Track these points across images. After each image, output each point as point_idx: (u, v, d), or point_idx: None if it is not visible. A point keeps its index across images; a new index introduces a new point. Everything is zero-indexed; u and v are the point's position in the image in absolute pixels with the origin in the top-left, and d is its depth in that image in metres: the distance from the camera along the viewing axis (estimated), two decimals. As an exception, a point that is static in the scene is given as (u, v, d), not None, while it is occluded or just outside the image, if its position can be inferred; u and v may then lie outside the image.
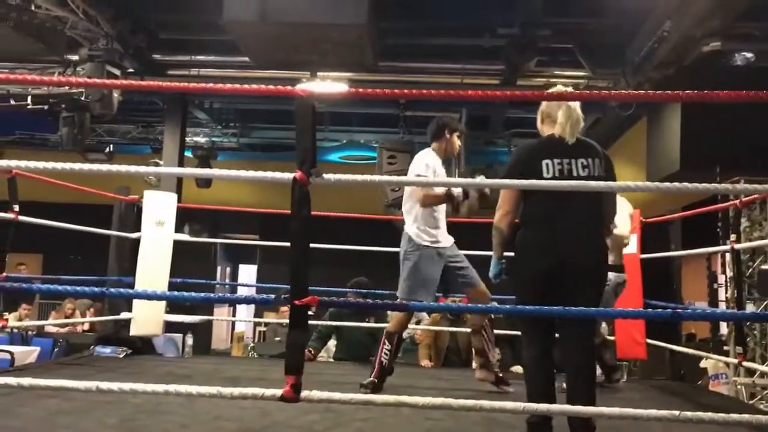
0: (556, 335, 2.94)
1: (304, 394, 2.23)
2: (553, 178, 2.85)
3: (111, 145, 10.41)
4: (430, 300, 4.09)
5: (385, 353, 4.10)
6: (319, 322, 5.88)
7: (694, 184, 2.71)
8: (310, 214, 2.34)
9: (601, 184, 2.85)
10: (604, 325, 4.53)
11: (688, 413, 2.00)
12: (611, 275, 3.99)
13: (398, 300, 4.12)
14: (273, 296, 2.49)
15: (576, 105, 2.94)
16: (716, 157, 6.56)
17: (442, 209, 4.17)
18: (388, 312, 7.93)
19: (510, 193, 2.96)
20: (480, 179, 4.01)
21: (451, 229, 4.29)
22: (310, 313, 2.44)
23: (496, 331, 6.34)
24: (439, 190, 4.06)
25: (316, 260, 2.56)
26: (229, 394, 2.22)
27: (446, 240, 4.17)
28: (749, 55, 6.40)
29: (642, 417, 2.03)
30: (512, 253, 2.98)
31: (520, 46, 7.02)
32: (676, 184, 2.65)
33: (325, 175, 2.34)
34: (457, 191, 4.05)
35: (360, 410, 3.24)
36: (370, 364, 4.04)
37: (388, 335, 4.16)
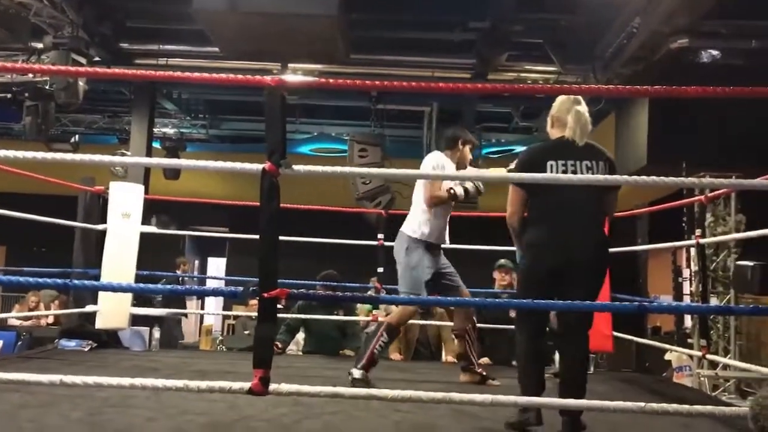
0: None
1: (273, 387, 2.22)
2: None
3: (76, 135, 10.18)
4: (425, 295, 4.15)
5: (380, 345, 4.10)
6: (288, 315, 5.85)
7: (661, 177, 2.75)
8: (279, 206, 2.32)
9: (586, 177, 2.90)
10: None
11: (654, 405, 2.03)
12: None
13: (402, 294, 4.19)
14: (241, 289, 2.45)
15: (584, 109, 3.08)
16: (683, 153, 6.67)
17: (447, 209, 4.30)
18: (359, 305, 7.96)
19: (516, 193, 3.08)
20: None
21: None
22: (279, 306, 2.42)
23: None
24: (444, 188, 4.16)
25: (285, 253, 2.54)
26: (196, 388, 2.19)
27: (444, 241, 4.32)
28: (715, 52, 6.49)
29: (608, 408, 2.05)
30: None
31: (492, 41, 7.05)
32: (645, 177, 2.71)
33: (295, 166, 2.32)
34: (460, 191, 4.16)
35: (329, 403, 3.23)
36: (340, 358, 4.04)
37: (388, 328, 4.17)
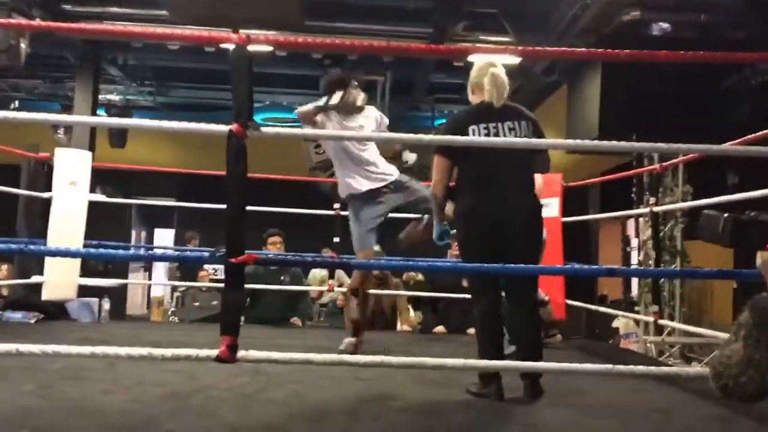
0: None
1: (241, 354, 2.17)
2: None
3: (16, 101, 9.79)
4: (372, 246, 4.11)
5: (355, 308, 4.13)
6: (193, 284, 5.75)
7: (619, 142, 2.80)
8: (246, 170, 2.25)
9: (519, 140, 2.93)
10: None
11: (621, 367, 2.06)
12: None
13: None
14: (207, 254, 2.38)
15: (501, 71, 3.04)
16: (634, 125, 6.77)
17: (343, 157, 4.11)
18: (311, 275, 7.91)
19: (441, 162, 3.04)
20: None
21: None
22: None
23: (418, 294, 6.47)
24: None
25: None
26: (160, 356, 2.12)
27: (368, 185, 4.15)
28: (666, 25, 6.60)
29: (579, 371, 2.08)
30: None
31: (447, 10, 7.00)
32: (598, 141, 2.76)
33: (263, 128, 2.24)
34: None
35: (291, 372, 3.20)
36: (289, 327, 3.98)
37: (353, 291, 4.18)
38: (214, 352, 2.13)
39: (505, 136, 2.97)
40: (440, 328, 5.69)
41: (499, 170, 2.98)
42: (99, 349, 2.15)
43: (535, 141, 3.00)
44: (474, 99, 3.16)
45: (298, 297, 6.11)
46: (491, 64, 3.08)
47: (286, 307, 5.94)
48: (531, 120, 3.09)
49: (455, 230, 3.17)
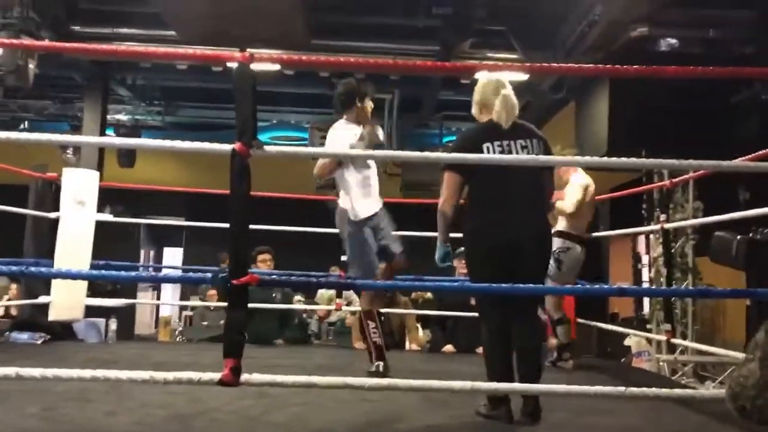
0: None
1: (244, 377, 2.12)
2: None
3: (26, 122, 9.86)
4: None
5: (373, 332, 4.02)
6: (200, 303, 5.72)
7: (629, 158, 2.76)
8: (250, 189, 2.21)
9: (540, 157, 2.91)
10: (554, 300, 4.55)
11: (634, 389, 2.01)
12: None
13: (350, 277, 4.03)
14: (210, 275, 2.35)
15: (511, 92, 3.04)
16: (642, 141, 6.72)
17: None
18: (319, 294, 7.87)
19: (453, 179, 2.99)
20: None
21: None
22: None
23: (426, 313, 6.42)
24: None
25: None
26: (162, 379, 2.08)
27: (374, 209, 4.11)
28: (673, 41, 6.58)
29: (591, 394, 2.02)
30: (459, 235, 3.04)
31: (455, 27, 7.00)
32: (607, 158, 2.73)
33: (267, 147, 2.22)
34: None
35: (295, 394, 3.16)
36: (280, 347, 3.88)
37: (367, 314, 4.06)
38: (217, 376, 2.09)
39: (518, 152, 2.96)
40: (449, 348, 5.63)
41: (512, 188, 2.96)
42: (101, 373, 2.11)
43: (548, 158, 2.96)
44: (482, 117, 3.13)
45: (289, 315, 6.07)
46: (500, 84, 3.05)
47: (277, 327, 5.89)
48: (542, 138, 3.08)
49: (462, 249, 3.12)
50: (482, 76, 3.23)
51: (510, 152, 2.96)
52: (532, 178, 3.01)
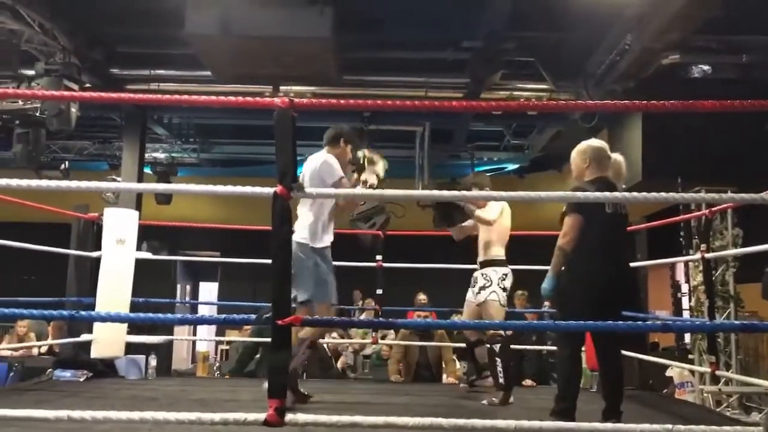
0: None
1: (289, 417, 2.14)
2: (613, 213, 3.38)
3: (66, 162, 10.09)
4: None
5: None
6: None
7: (663, 193, 2.74)
8: (291, 230, 2.25)
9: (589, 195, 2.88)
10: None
11: (681, 427, 1.98)
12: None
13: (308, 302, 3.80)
14: (254, 316, 2.38)
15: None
16: (677, 168, 6.67)
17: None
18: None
19: (578, 222, 3.34)
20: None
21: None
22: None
23: (458, 345, 6.36)
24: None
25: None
26: (209, 421, 2.11)
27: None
28: (706, 67, 6.54)
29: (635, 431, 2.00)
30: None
31: (484, 60, 7.05)
32: (645, 194, 2.70)
33: (307, 189, 2.26)
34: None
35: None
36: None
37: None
38: (262, 416, 2.11)
39: (623, 210, 3.43)
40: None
41: (617, 239, 3.44)
42: (149, 414, 2.15)
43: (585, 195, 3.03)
44: (586, 171, 3.48)
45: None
46: (611, 152, 3.55)
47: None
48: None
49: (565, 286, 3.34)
50: (593, 141, 3.61)
51: (619, 206, 3.40)
52: (626, 227, 3.53)
